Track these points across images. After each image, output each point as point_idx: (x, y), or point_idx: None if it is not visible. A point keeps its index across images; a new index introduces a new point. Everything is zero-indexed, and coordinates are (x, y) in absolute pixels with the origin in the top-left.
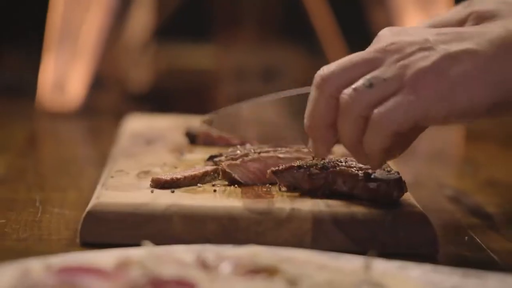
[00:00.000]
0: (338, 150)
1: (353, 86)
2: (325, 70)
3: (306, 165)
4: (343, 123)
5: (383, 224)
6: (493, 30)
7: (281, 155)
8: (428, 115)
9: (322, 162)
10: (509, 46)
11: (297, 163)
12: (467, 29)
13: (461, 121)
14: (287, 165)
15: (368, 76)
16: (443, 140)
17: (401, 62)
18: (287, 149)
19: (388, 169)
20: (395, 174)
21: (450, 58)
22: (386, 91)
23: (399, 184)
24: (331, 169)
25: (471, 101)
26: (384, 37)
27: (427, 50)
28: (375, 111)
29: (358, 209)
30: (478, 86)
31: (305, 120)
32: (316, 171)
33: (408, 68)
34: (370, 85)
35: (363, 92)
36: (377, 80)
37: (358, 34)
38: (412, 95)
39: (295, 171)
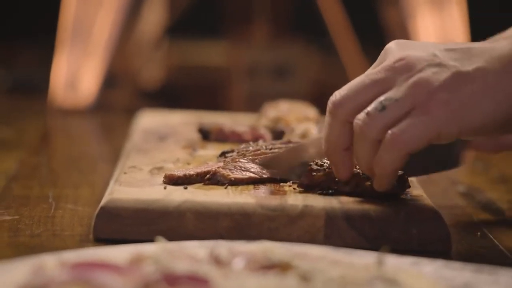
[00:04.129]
0: None
1: (366, 110)
2: (337, 95)
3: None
4: (359, 147)
5: (395, 221)
6: (502, 46)
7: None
8: (441, 134)
9: (322, 161)
10: None
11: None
12: (476, 44)
13: (474, 137)
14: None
15: (380, 99)
16: None
17: (412, 80)
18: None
19: None
20: None
21: (461, 76)
22: (399, 112)
23: (402, 180)
24: (329, 169)
25: (483, 118)
26: (391, 52)
27: (437, 66)
28: (389, 132)
29: (370, 206)
30: (489, 103)
31: (323, 145)
32: (317, 167)
33: (419, 87)
34: (382, 108)
35: (376, 116)
36: (389, 102)
37: (371, 32)
38: (424, 115)
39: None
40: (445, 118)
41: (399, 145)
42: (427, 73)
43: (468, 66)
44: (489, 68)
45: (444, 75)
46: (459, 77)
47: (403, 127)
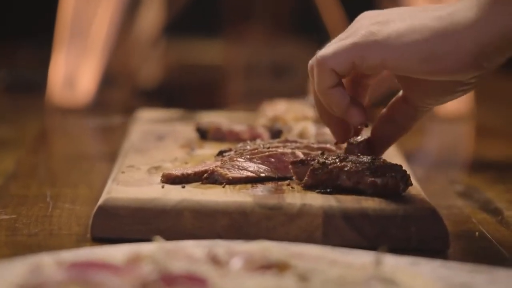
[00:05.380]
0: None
1: None
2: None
3: (307, 160)
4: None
5: (394, 219)
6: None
7: (287, 151)
8: (364, 58)
9: (323, 159)
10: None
11: (299, 158)
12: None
13: (398, 72)
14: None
15: None
16: (453, 136)
17: (355, 27)
18: (297, 144)
19: (392, 163)
20: (400, 167)
21: (394, 21)
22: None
23: (405, 178)
24: (331, 165)
25: (404, 53)
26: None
27: (380, 15)
28: (319, 53)
29: (368, 205)
30: (412, 40)
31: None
32: (319, 165)
33: (358, 24)
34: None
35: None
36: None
37: None
38: (351, 39)
39: (298, 165)
40: (369, 43)
41: (323, 62)
42: (369, 17)
43: (407, 18)
44: (423, 16)
45: (380, 18)
46: (392, 20)
47: (330, 48)
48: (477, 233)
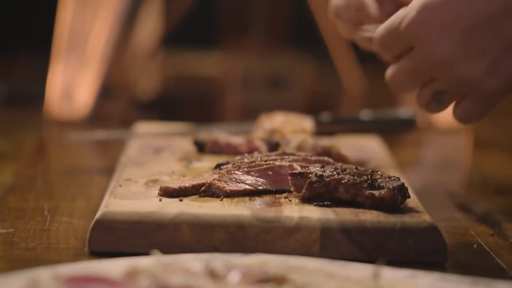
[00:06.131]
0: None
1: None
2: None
3: (306, 172)
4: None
5: (391, 232)
6: None
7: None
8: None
9: (321, 171)
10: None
11: (298, 170)
12: None
13: None
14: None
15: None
16: (451, 148)
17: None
18: (295, 157)
19: (389, 175)
20: (397, 180)
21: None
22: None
23: (402, 190)
24: (329, 178)
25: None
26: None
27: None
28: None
29: (366, 218)
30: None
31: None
32: (316, 178)
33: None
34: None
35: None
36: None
37: None
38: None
39: (297, 177)
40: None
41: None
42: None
43: None
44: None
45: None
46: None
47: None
48: (475, 245)
